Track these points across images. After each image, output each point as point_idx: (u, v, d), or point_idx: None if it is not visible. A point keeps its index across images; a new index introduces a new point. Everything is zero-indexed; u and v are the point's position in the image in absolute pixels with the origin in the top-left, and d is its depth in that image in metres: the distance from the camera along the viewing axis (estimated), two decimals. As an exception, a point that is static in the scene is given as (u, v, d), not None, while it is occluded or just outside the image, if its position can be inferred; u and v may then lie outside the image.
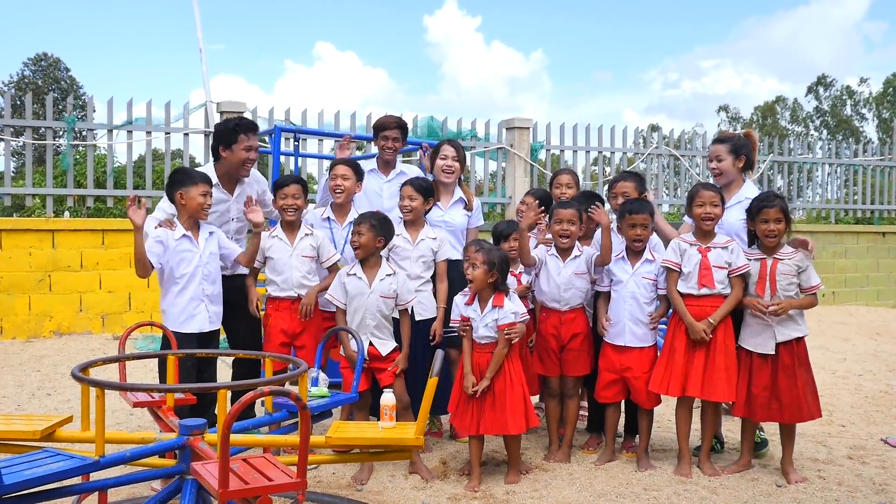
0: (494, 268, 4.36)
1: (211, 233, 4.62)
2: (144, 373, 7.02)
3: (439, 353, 3.64)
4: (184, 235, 4.48)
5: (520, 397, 4.35)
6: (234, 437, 3.17)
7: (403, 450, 3.64)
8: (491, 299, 4.37)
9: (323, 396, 4.10)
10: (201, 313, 4.53)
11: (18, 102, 8.69)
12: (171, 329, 4.42)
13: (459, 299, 4.53)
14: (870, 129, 45.39)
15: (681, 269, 4.57)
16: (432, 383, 3.52)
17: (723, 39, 79.17)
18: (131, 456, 3.03)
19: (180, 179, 4.52)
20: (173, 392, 3.79)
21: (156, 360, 4.30)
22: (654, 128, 13.57)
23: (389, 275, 4.58)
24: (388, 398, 3.73)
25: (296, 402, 2.63)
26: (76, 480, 3.10)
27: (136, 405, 3.88)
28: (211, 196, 4.54)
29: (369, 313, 4.53)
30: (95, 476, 3.34)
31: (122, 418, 5.60)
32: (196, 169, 4.74)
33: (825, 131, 45.74)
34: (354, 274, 4.58)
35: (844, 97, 46.65)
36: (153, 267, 4.41)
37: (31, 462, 2.84)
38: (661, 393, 4.63)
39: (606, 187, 4.93)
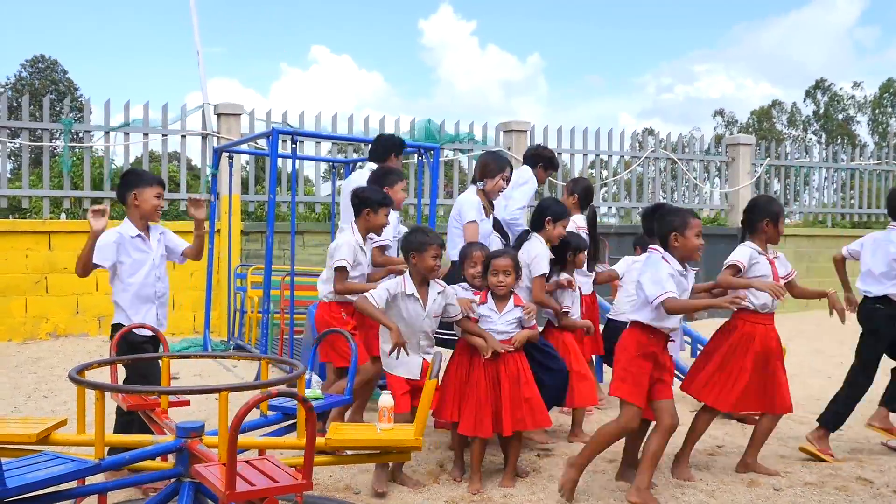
0: (520, 271, 4.53)
1: (162, 233, 4.57)
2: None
3: (438, 355, 3.65)
4: (138, 235, 4.40)
5: (520, 399, 4.34)
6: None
7: (403, 451, 3.64)
8: (511, 299, 4.47)
9: (317, 398, 4.10)
10: (150, 315, 4.44)
11: (15, 104, 8.60)
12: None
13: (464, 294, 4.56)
14: (863, 132, 45.54)
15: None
16: (431, 385, 3.52)
17: (716, 44, 79.38)
18: (131, 458, 3.02)
19: (133, 181, 4.47)
20: (171, 394, 3.77)
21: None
22: (650, 131, 13.56)
23: (440, 292, 4.47)
24: (386, 400, 3.73)
25: (302, 403, 2.63)
26: (74, 484, 3.08)
27: (129, 407, 3.86)
28: (163, 198, 4.51)
29: (423, 333, 4.46)
30: (90, 480, 3.32)
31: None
32: (146, 171, 4.67)
33: (823, 135, 45.84)
34: (412, 295, 4.39)
35: (837, 102, 46.78)
36: (95, 267, 4.31)
37: (32, 465, 2.82)
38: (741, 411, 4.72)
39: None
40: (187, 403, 4.03)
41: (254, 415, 4.07)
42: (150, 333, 4.34)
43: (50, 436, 3.35)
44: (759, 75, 75.87)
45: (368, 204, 4.85)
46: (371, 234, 4.94)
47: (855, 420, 5.95)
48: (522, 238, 5.13)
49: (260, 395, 2.57)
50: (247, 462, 2.84)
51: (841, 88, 47.07)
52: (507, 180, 5.58)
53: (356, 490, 4.27)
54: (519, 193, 6.15)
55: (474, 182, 5.65)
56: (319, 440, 3.49)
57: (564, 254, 5.20)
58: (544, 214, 5.08)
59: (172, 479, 3.09)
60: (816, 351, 8.98)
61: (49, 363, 7.71)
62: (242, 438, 3.53)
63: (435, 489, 4.33)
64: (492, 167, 5.52)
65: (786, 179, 14.18)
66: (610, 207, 12.87)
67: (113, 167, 10.29)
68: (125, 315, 4.41)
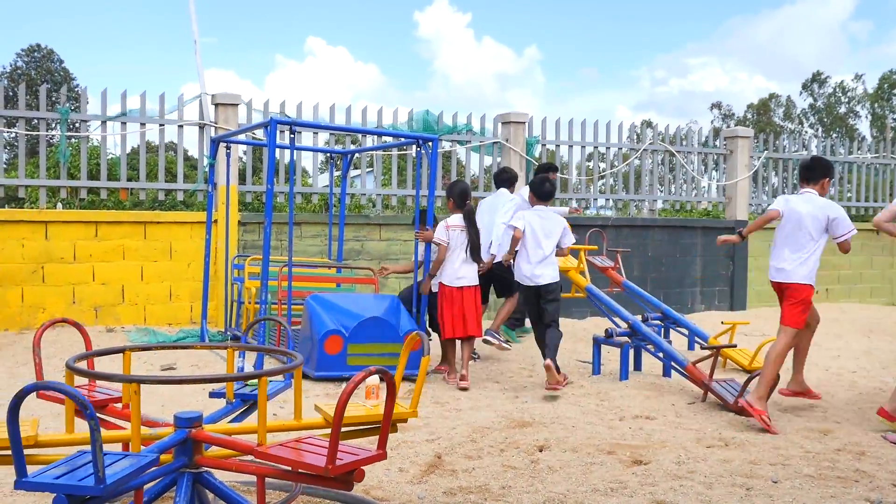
0: None
1: None
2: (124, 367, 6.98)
3: (424, 336, 3.80)
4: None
5: None
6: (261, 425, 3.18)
7: (395, 422, 3.73)
8: None
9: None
10: None
11: (11, 93, 8.55)
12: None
13: None
14: (863, 127, 45.58)
15: None
16: (425, 361, 3.68)
17: (710, 38, 79.37)
18: (158, 451, 2.98)
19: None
20: (209, 382, 3.82)
21: (135, 354, 4.16)
22: (648, 123, 13.53)
23: None
24: (373, 378, 3.83)
25: (388, 380, 2.85)
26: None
27: (96, 403, 3.80)
28: None
29: None
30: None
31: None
32: None
33: (820, 128, 45.85)
34: None
35: (839, 94, 46.78)
36: None
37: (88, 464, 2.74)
38: None
39: None
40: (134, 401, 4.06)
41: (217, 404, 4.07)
42: None
43: (38, 436, 3.24)
44: (754, 69, 76.10)
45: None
46: None
47: (852, 413, 5.98)
48: None
49: (364, 372, 2.75)
50: (297, 441, 2.96)
51: (842, 81, 47.08)
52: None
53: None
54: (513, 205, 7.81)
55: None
56: (318, 419, 3.54)
57: None
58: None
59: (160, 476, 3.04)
60: (813, 343, 8.97)
61: (45, 353, 7.66)
62: (217, 426, 3.52)
63: (434, 479, 4.33)
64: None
65: (783, 172, 14.17)
66: (608, 200, 12.84)
67: (110, 157, 10.25)
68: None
